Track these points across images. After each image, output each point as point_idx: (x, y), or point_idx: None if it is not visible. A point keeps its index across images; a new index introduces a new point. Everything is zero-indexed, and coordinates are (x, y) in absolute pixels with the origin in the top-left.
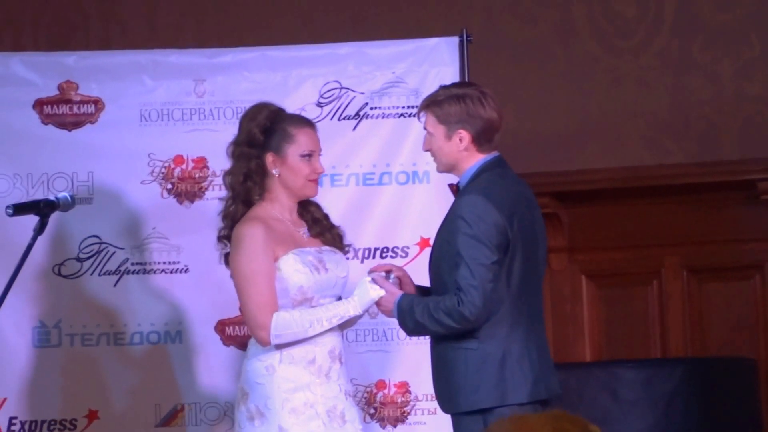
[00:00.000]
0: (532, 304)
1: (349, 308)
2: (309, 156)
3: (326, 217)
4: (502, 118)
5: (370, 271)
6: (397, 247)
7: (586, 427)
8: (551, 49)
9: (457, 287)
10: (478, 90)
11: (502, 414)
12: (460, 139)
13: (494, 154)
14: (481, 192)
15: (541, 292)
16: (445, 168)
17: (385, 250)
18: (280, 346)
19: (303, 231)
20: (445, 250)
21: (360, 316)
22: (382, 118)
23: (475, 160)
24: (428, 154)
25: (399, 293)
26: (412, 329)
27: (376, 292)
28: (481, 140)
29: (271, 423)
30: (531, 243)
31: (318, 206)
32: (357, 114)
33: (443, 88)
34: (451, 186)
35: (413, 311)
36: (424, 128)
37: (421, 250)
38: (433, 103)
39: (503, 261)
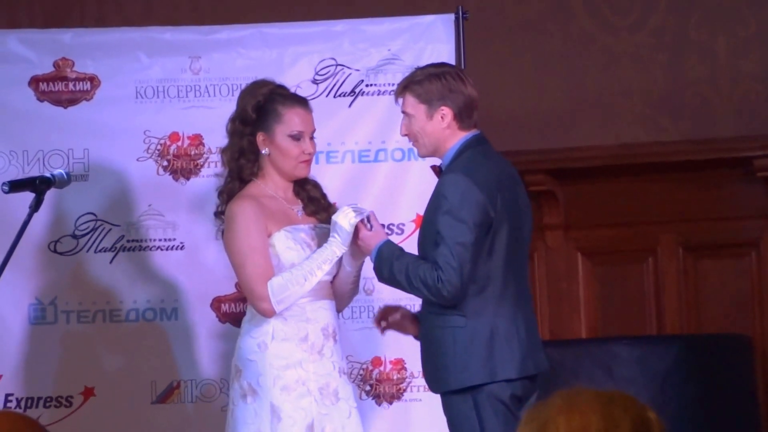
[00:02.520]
0: (518, 281)
1: (335, 249)
2: (298, 136)
3: (324, 196)
4: (478, 97)
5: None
6: (393, 224)
7: (641, 414)
8: (547, 26)
9: (437, 265)
10: (455, 68)
11: (491, 391)
12: (442, 117)
13: (475, 131)
14: (464, 171)
15: (527, 269)
16: (428, 150)
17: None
18: (283, 310)
19: (297, 209)
20: (429, 229)
21: (360, 265)
22: (378, 95)
23: (456, 138)
24: None
25: (384, 237)
26: (386, 279)
27: (347, 221)
28: (462, 116)
29: (262, 400)
30: (516, 220)
31: (316, 185)
32: (353, 91)
33: (419, 69)
34: (433, 168)
35: (392, 264)
36: (403, 111)
37: (417, 227)
38: (412, 83)
39: (485, 240)
